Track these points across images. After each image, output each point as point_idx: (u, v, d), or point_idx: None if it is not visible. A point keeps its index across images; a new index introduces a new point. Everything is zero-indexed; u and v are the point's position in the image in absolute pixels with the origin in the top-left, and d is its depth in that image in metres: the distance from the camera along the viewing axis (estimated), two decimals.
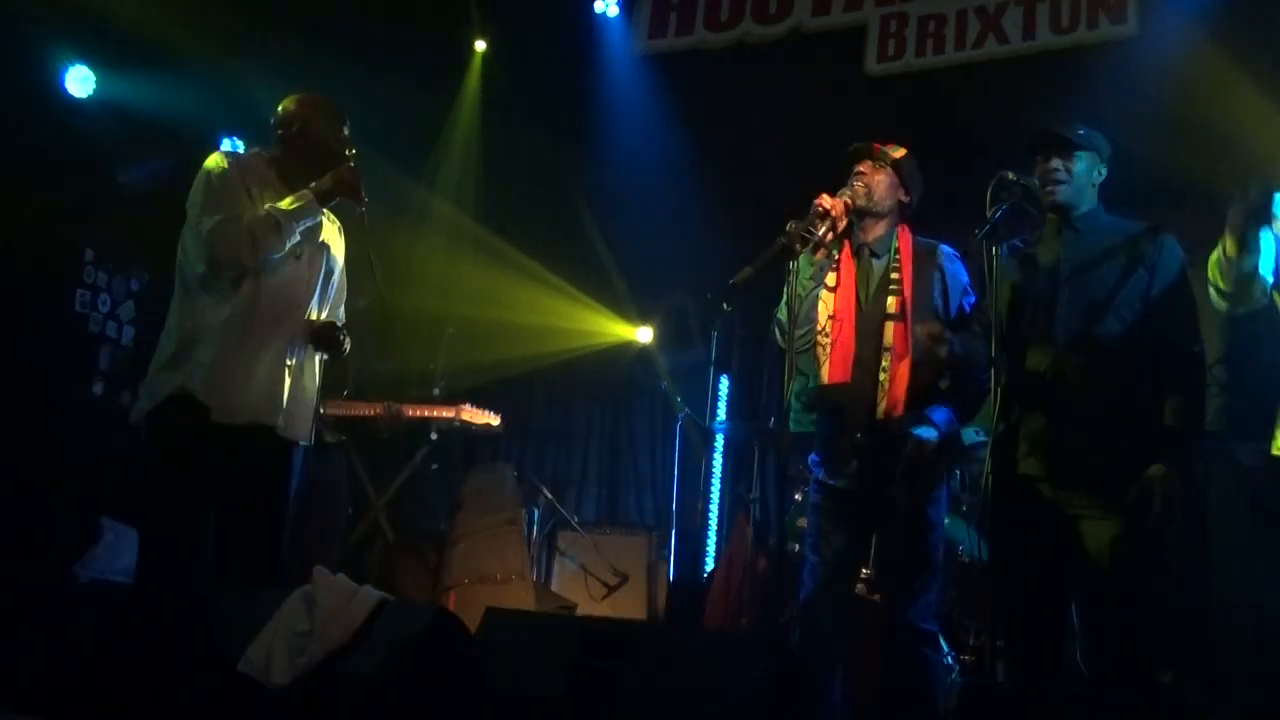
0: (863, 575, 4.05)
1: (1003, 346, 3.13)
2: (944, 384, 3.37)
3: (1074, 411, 3.09)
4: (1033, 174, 3.24)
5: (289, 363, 3.34)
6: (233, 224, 3.22)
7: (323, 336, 3.40)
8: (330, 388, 3.64)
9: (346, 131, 3.48)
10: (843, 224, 3.31)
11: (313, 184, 3.34)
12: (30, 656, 3.52)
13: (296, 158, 3.42)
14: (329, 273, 3.49)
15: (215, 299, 3.25)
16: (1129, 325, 3.12)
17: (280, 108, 3.48)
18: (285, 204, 3.29)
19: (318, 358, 3.46)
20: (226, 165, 3.34)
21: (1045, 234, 3.32)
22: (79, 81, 5.58)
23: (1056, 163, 3.21)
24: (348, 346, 3.47)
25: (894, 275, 3.35)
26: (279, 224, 3.24)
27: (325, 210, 3.46)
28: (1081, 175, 3.24)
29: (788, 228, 3.13)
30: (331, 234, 3.52)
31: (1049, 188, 3.22)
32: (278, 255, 3.28)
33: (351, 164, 3.38)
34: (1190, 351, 3.11)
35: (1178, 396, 3.05)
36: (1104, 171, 3.30)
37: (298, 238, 3.30)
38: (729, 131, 6.09)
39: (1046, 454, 3.12)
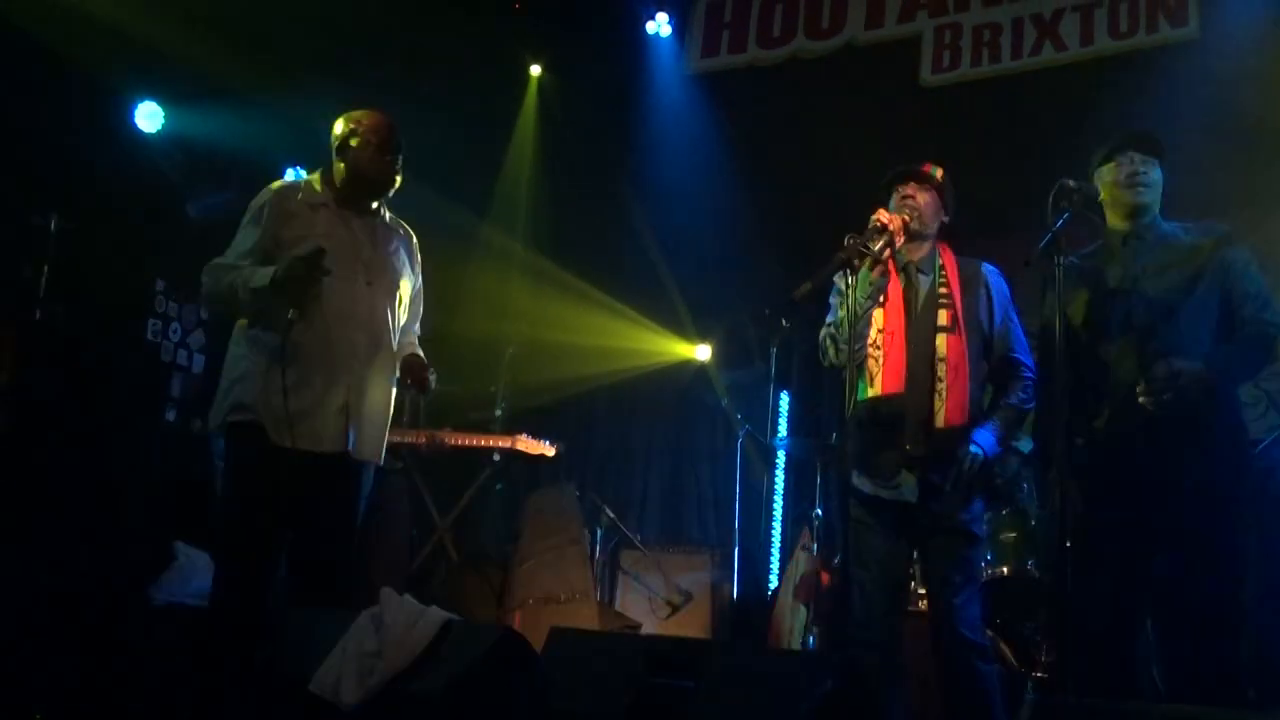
0: (910, 589, 4.02)
1: (1071, 360, 3.06)
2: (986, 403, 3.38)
3: (1154, 422, 3.01)
4: (1095, 178, 3.20)
5: (357, 386, 3.31)
6: (217, 272, 3.27)
7: (415, 373, 3.42)
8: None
9: (394, 150, 3.42)
10: (900, 240, 3.32)
11: (274, 270, 3.16)
12: (109, 678, 3.60)
13: (342, 176, 3.43)
14: (399, 297, 3.48)
15: (273, 324, 3.23)
16: (1203, 331, 3.05)
17: (333, 126, 3.48)
18: (254, 279, 3.17)
19: (393, 384, 3.45)
20: (262, 201, 3.35)
21: (1108, 244, 3.25)
22: (148, 117, 5.74)
23: (1145, 165, 3.15)
24: (434, 383, 3.47)
25: (942, 290, 3.36)
26: (237, 298, 3.21)
27: (392, 226, 3.50)
28: (1158, 181, 3.18)
29: (846, 242, 3.13)
30: (402, 256, 3.52)
31: (1135, 189, 3.15)
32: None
33: (306, 261, 3.12)
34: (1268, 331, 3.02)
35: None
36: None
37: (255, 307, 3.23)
38: (784, 148, 6.09)
39: (1123, 467, 3.05)
